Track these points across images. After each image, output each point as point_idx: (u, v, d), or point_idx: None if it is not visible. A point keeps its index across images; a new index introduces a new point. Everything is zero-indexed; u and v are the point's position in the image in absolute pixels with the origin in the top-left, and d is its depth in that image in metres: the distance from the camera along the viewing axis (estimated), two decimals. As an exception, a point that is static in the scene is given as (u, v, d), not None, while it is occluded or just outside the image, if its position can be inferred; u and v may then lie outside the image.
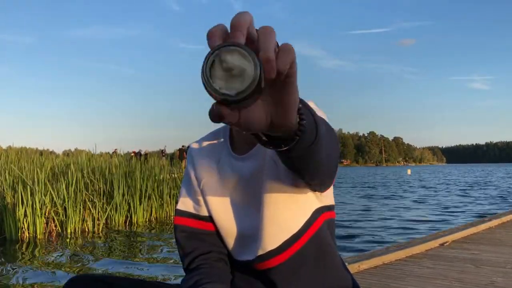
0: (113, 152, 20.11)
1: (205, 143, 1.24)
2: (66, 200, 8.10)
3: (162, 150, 30.65)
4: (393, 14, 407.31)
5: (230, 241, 1.18)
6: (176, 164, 15.67)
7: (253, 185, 1.13)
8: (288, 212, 1.09)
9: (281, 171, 1.06)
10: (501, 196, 16.27)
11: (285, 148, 0.62)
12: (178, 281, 1.23)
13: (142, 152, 26.97)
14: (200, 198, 1.21)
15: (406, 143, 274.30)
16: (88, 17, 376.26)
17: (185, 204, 1.23)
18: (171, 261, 5.72)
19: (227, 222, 1.16)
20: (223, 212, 1.17)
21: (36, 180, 7.92)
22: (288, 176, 1.05)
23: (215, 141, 1.23)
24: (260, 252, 1.12)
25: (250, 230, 1.14)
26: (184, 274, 1.18)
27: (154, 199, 9.99)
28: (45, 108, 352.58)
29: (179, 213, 1.22)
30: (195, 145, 1.25)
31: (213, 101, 0.50)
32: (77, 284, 1.07)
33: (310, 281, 1.12)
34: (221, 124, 1.22)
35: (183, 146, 28.59)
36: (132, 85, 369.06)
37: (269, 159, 1.10)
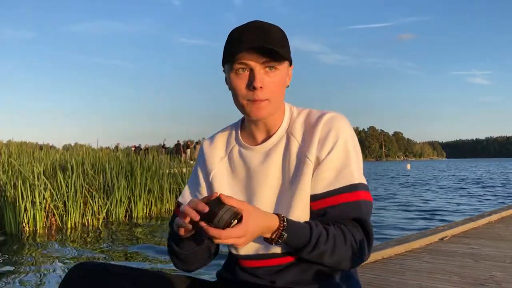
0: (115, 147, 20.10)
1: (216, 137, 1.26)
2: (66, 194, 8.10)
3: (163, 145, 30.66)
4: (393, 9, 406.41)
5: None
6: (175, 159, 15.66)
7: (260, 177, 1.15)
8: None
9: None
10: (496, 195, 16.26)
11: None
12: (179, 273, 1.23)
13: (142, 147, 26.96)
14: (204, 193, 1.23)
15: (406, 138, 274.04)
16: (88, 12, 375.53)
17: (185, 198, 1.24)
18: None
19: None
20: None
21: (36, 174, 7.92)
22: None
23: (226, 134, 1.25)
24: (242, 252, 1.15)
25: None
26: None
27: (154, 194, 10.00)
28: (45, 102, 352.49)
29: (178, 205, 1.25)
30: (206, 141, 1.28)
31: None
32: (79, 271, 1.07)
33: (294, 280, 1.12)
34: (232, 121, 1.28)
35: (178, 141, 28.62)
36: (132, 80, 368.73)
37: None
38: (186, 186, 1.28)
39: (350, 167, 1.09)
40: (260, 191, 1.14)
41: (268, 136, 1.17)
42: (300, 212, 1.10)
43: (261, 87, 1.06)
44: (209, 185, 1.22)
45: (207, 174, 1.23)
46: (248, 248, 1.15)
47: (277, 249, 1.12)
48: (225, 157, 1.22)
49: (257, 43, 1.04)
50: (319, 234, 1.02)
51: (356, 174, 1.09)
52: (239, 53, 1.05)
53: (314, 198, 1.09)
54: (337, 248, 1.03)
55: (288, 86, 1.16)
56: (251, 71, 1.07)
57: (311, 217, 1.10)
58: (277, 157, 1.15)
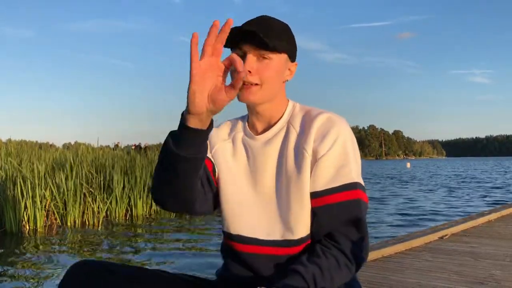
0: (115, 146, 20.08)
1: (222, 125, 1.30)
2: (66, 193, 8.10)
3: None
4: (393, 8, 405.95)
5: (227, 208, 1.21)
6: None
7: (259, 164, 1.18)
8: (296, 215, 1.12)
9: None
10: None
11: None
12: (178, 272, 1.24)
13: (142, 145, 26.94)
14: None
15: (406, 136, 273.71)
16: (88, 11, 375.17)
17: None
18: (171, 253, 5.74)
19: (230, 192, 1.20)
20: (230, 181, 1.21)
21: (35, 173, 7.92)
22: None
23: (232, 123, 1.29)
24: (247, 234, 1.16)
25: (248, 207, 1.18)
26: None
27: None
28: (44, 101, 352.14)
29: None
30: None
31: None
32: (78, 270, 1.07)
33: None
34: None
35: None
36: (132, 78, 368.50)
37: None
38: None
39: (349, 166, 1.11)
40: (260, 177, 1.17)
41: (269, 127, 1.20)
42: (300, 205, 1.11)
43: (249, 71, 1.10)
44: (211, 157, 1.24)
45: (211, 147, 1.25)
46: (241, 228, 1.17)
47: (276, 237, 1.14)
48: (228, 139, 1.25)
49: (248, 28, 1.09)
50: (313, 274, 1.03)
51: (354, 173, 1.11)
52: (232, 37, 1.08)
53: (314, 195, 1.11)
54: (335, 276, 1.05)
55: (287, 80, 1.19)
56: (244, 56, 1.11)
57: (311, 215, 1.11)
58: (276, 146, 1.17)
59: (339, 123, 1.14)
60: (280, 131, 1.19)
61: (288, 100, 1.23)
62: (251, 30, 1.07)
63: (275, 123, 1.20)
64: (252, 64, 1.10)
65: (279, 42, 1.11)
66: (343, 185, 1.09)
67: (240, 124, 1.27)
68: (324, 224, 1.10)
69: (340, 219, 1.09)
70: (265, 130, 1.20)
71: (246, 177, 1.19)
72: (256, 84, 1.11)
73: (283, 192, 1.14)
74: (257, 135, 1.21)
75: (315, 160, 1.11)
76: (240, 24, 1.15)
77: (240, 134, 1.24)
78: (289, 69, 1.18)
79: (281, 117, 1.20)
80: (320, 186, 1.10)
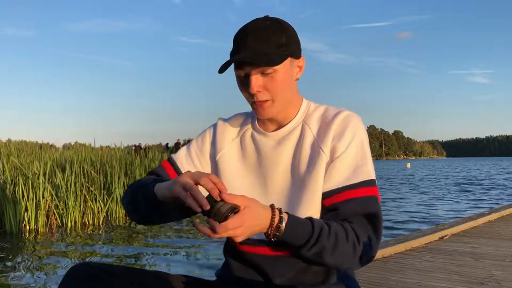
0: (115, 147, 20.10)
1: (232, 119, 1.28)
2: (66, 193, 8.10)
3: (166, 144, 30.82)
4: (393, 8, 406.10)
5: None
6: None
7: (270, 163, 1.16)
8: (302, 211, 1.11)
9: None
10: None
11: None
12: (178, 273, 1.23)
13: (142, 146, 26.96)
14: (199, 165, 1.24)
15: (406, 136, 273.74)
16: (88, 11, 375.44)
17: (179, 155, 1.26)
18: (171, 254, 5.75)
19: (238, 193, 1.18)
20: (236, 185, 1.18)
21: (36, 173, 7.92)
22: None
23: (242, 118, 1.27)
24: (254, 236, 1.12)
25: None
26: None
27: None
28: (44, 101, 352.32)
29: (171, 160, 1.25)
30: (221, 120, 1.29)
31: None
32: (77, 273, 1.07)
33: (292, 268, 1.12)
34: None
35: (178, 140, 28.66)
36: (132, 78, 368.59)
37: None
38: (184, 148, 1.28)
39: (368, 163, 1.12)
40: (271, 176, 1.16)
41: (282, 124, 1.19)
42: (309, 204, 1.10)
43: (258, 91, 1.09)
44: (215, 165, 1.23)
45: (215, 152, 1.24)
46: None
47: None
48: (237, 138, 1.24)
49: (249, 54, 1.07)
50: (321, 227, 1.01)
51: (371, 170, 1.12)
52: (235, 64, 1.09)
53: (331, 193, 1.10)
54: (339, 245, 1.02)
55: (297, 79, 1.17)
56: (247, 76, 1.10)
57: (326, 212, 1.10)
58: (290, 145, 1.16)
59: (355, 122, 1.14)
60: (294, 130, 1.18)
61: (303, 99, 1.21)
62: (250, 61, 1.06)
63: (289, 121, 1.18)
64: (258, 83, 1.09)
65: (279, 51, 1.08)
66: (362, 181, 1.09)
67: (249, 120, 1.25)
68: (341, 217, 1.07)
69: (357, 212, 1.07)
70: (278, 127, 1.19)
71: (256, 177, 1.18)
72: (268, 100, 1.10)
73: (294, 191, 1.13)
74: (269, 132, 1.20)
75: (331, 160, 1.11)
76: (238, 23, 1.13)
77: (249, 131, 1.23)
78: (297, 66, 1.15)
79: (295, 115, 1.19)
80: (339, 184, 1.09)
